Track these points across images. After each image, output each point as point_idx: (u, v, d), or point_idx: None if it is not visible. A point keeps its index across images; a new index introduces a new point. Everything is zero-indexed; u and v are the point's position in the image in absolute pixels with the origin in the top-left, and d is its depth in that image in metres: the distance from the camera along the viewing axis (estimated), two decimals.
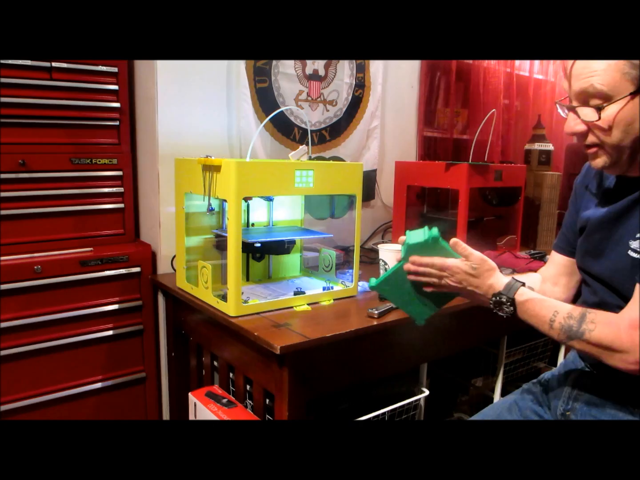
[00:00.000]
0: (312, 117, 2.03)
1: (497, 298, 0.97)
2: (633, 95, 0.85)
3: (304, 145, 1.64)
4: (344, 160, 2.14)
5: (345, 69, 2.09)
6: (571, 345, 0.91)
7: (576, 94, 0.90)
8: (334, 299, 1.48)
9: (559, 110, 0.97)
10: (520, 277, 1.12)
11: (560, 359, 2.02)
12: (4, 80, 1.49)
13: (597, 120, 0.88)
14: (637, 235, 0.91)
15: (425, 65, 2.41)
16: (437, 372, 1.94)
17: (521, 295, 0.97)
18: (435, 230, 1.02)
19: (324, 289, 1.51)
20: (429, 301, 1.10)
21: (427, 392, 1.55)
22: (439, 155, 2.61)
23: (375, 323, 1.32)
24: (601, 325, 0.87)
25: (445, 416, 2.00)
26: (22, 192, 1.56)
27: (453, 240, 1.03)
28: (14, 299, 1.50)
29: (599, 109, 0.87)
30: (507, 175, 1.97)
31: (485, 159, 2.10)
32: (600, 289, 1.00)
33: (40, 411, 1.57)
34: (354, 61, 2.11)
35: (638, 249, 0.91)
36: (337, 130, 2.11)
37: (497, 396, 1.83)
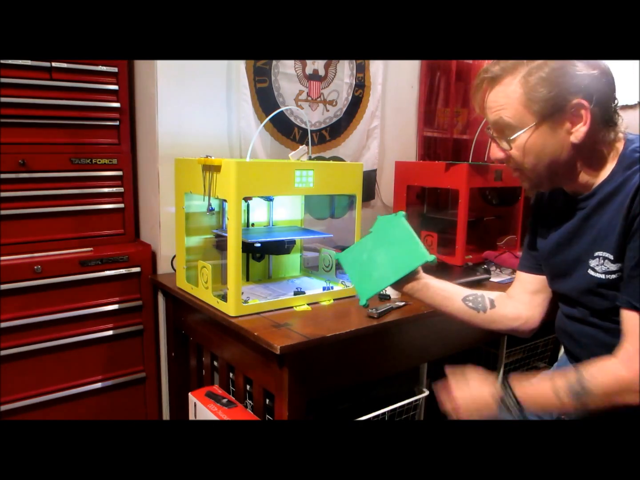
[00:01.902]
0: (312, 117, 2.03)
1: (501, 400, 0.93)
2: (537, 125, 0.90)
3: (304, 145, 1.64)
4: (344, 160, 2.13)
5: (345, 69, 2.08)
6: (588, 409, 0.87)
7: (492, 124, 0.97)
8: (334, 299, 1.48)
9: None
10: (483, 292, 1.13)
11: None
12: (4, 80, 1.49)
13: (510, 150, 0.94)
14: (595, 254, 0.92)
15: (425, 65, 2.41)
16: (437, 372, 1.93)
17: (515, 381, 0.94)
18: (401, 212, 1.13)
19: (324, 289, 1.51)
20: (380, 277, 1.08)
21: (427, 392, 1.55)
22: (439, 155, 2.61)
23: (375, 323, 1.32)
24: (599, 373, 0.86)
25: (445, 416, 2.00)
26: (22, 192, 1.56)
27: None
28: (14, 299, 1.50)
29: (510, 139, 0.93)
30: (507, 175, 1.97)
31: (485, 159, 2.10)
32: (575, 305, 1.02)
33: (40, 411, 1.57)
34: (354, 61, 2.11)
35: (596, 268, 0.92)
36: (337, 130, 2.11)
37: None
